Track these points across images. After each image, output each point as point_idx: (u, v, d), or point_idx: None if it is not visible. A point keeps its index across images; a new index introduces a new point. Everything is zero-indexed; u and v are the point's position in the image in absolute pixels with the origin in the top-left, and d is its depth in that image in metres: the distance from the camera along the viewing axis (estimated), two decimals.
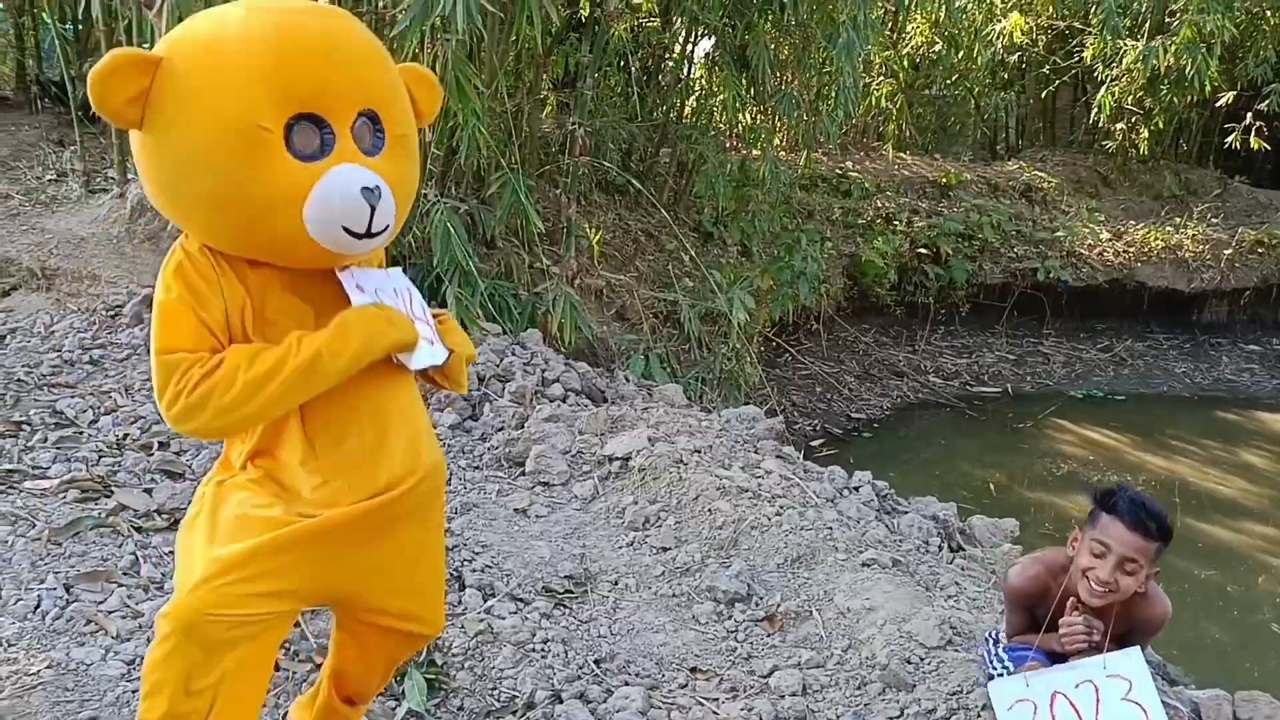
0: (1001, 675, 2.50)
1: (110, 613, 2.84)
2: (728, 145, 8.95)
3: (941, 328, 11.06)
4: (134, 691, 2.52)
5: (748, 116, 8.07)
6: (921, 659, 2.90)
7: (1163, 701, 2.91)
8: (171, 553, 2.66)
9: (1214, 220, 11.77)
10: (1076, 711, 2.18)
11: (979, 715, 2.65)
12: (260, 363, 1.58)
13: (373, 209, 1.57)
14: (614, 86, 7.54)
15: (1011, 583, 2.51)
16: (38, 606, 2.81)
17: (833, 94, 7.00)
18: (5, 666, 2.55)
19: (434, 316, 1.86)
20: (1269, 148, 10.78)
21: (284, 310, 1.68)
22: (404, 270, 1.88)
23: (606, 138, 6.67)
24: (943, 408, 9.76)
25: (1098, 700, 2.17)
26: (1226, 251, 11.07)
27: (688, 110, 8.12)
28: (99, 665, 2.59)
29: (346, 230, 1.58)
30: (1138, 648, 2.25)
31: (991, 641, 2.67)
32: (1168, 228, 11.43)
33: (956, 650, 2.93)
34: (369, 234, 1.60)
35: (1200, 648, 5.44)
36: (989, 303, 11.08)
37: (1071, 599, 2.35)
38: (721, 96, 7.49)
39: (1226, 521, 7.27)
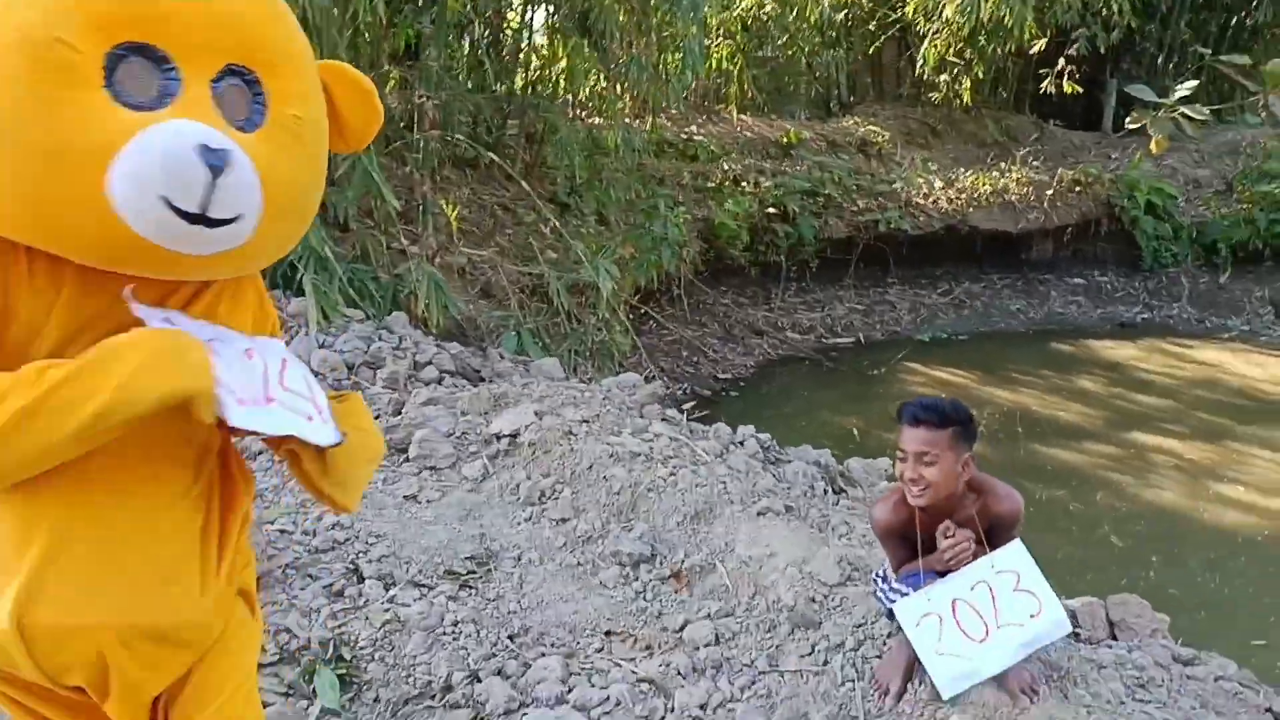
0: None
1: None
2: (574, 114, 8.90)
3: (794, 284, 11.36)
4: None
5: (592, 84, 8.04)
6: (825, 597, 3.00)
7: None
8: None
9: (1035, 163, 12.49)
10: (977, 612, 2.30)
11: (884, 643, 2.76)
12: None
13: (213, 179, 1.10)
14: (456, 58, 7.37)
15: (878, 518, 2.59)
16: None
17: (677, 57, 7.05)
18: None
19: (333, 397, 1.42)
20: (1080, 90, 11.47)
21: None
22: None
23: (454, 110, 6.52)
24: (801, 362, 10.05)
25: (993, 597, 2.30)
26: (1048, 192, 11.76)
27: (533, 79, 8.03)
28: None
29: (169, 205, 1.09)
30: (1019, 541, 2.39)
31: (880, 579, 2.78)
32: (994, 173, 12.05)
33: (856, 585, 3.04)
34: (204, 218, 1.12)
35: (1052, 563, 5.79)
36: (836, 256, 11.44)
37: (944, 523, 2.46)
38: (566, 64, 7.44)
39: (1068, 444, 7.78)
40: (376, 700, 2.65)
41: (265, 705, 2.54)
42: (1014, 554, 2.37)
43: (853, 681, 2.66)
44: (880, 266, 11.85)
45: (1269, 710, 3.14)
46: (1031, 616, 2.29)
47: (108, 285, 1.19)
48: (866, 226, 11.33)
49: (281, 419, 1.28)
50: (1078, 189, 12.00)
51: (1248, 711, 2.95)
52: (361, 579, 3.14)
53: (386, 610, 2.97)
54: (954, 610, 2.33)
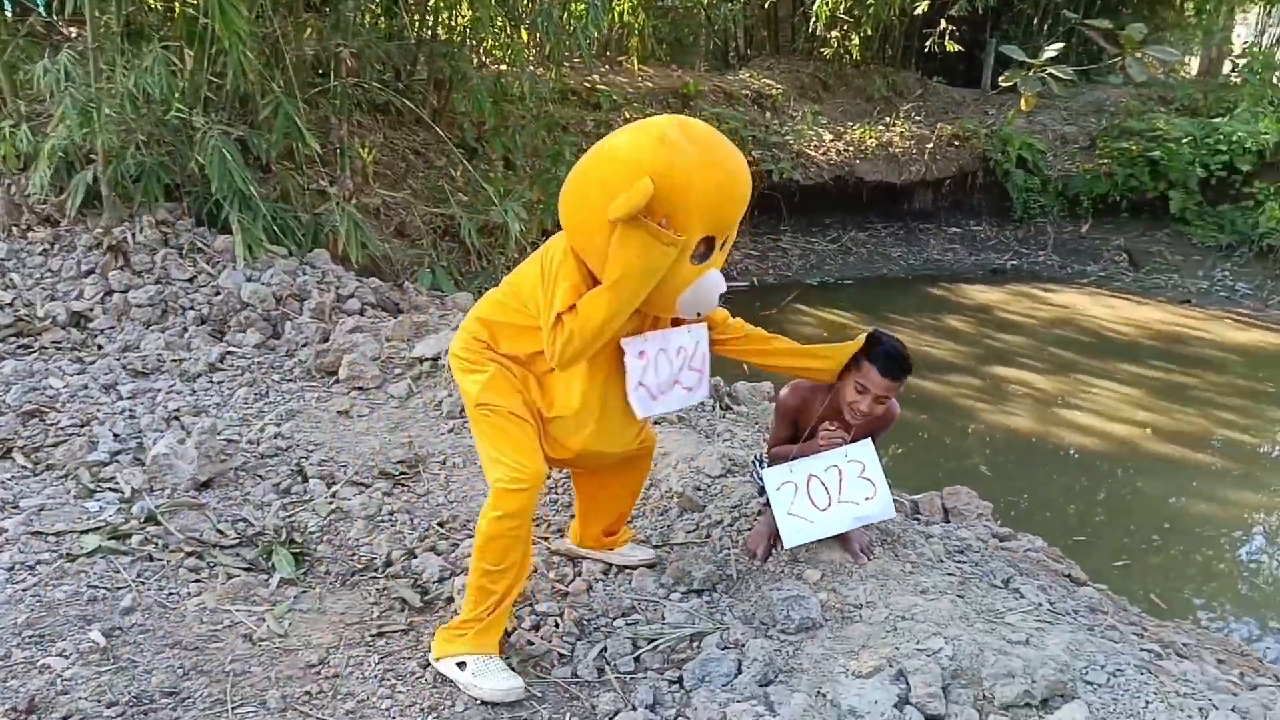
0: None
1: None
2: (481, 61, 9.19)
3: None
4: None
5: (499, 32, 8.35)
6: (708, 486, 3.56)
7: (893, 497, 3.74)
8: None
9: (918, 118, 13.24)
10: (825, 487, 2.89)
11: (754, 519, 3.34)
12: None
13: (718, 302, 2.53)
14: (368, 5, 7.59)
15: (783, 399, 3.14)
16: None
17: (581, 8, 7.41)
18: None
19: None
20: (961, 49, 12.17)
21: None
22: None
23: (368, 57, 6.79)
24: None
25: (841, 479, 2.89)
26: (928, 146, 12.52)
27: (442, 27, 8.30)
28: None
29: (698, 312, 2.53)
30: (869, 440, 2.98)
31: (756, 462, 3.34)
32: (879, 126, 12.75)
33: (734, 477, 3.61)
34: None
35: (911, 474, 6.53)
36: None
37: (827, 419, 3.02)
38: (472, 13, 7.73)
39: (936, 377, 8.55)
40: (328, 573, 3.11)
41: (229, 578, 2.99)
42: (864, 449, 2.94)
43: (729, 549, 3.23)
44: (774, 214, 12.48)
45: (1068, 575, 3.85)
46: (866, 499, 2.88)
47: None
48: (761, 176, 11.90)
49: (676, 400, 2.66)
50: (956, 143, 12.81)
51: (1048, 574, 3.64)
52: (306, 479, 3.58)
53: (330, 504, 3.42)
54: (808, 483, 2.91)
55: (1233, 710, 2.50)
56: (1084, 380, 8.52)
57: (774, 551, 3.17)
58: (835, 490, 2.92)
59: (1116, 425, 7.49)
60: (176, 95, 5.28)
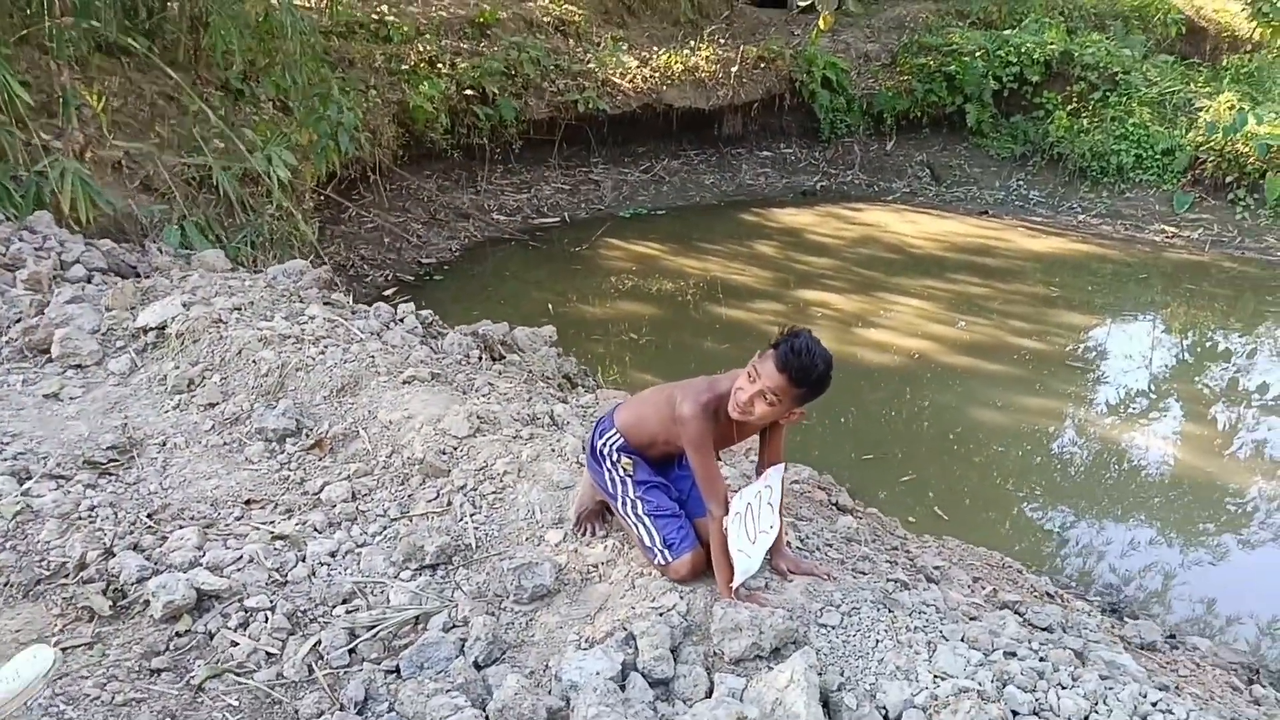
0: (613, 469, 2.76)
1: None
2: None
3: (500, 167, 11.48)
4: None
5: None
6: (454, 448, 3.32)
7: None
8: None
9: (723, 41, 13.08)
10: (754, 517, 2.57)
11: (501, 479, 3.13)
12: None
13: None
14: None
15: (700, 428, 2.59)
16: None
17: None
18: None
19: None
20: None
21: None
22: None
23: None
24: (508, 243, 10.28)
25: (758, 507, 2.59)
26: (734, 69, 12.40)
27: None
28: None
29: None
30: (783, 466, 2.70)
31: (611, 450, 2.79)
32: (685, 51, 12.54)
33: (484, 435, 3.38)
34: None
35: None
36: (540, 138, 11.63)
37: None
38: None
39: (741, 304, 8.55)
40: (8, 584, 2.73)
41: None
42: (778, 474, 2.66)
43: (470, 516, 3.01)
44: (584, 146, 12.17)
45: (834, 504, 3.82)
46: (771, 526, 2.63)
47: None
48: (566, 107, 11.54)
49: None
50: (762, 65, 12.74)
51: (811, 505, 3.58)
52: None
53: (18, 503, 3.02)
54: (745, 512, 2.55)
55: (961, 640, 2.47)
56: (884, 298, 8.67)
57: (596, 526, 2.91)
58: (755, 519, 2.60)
59: (912, 340, 7.64)
60: None
